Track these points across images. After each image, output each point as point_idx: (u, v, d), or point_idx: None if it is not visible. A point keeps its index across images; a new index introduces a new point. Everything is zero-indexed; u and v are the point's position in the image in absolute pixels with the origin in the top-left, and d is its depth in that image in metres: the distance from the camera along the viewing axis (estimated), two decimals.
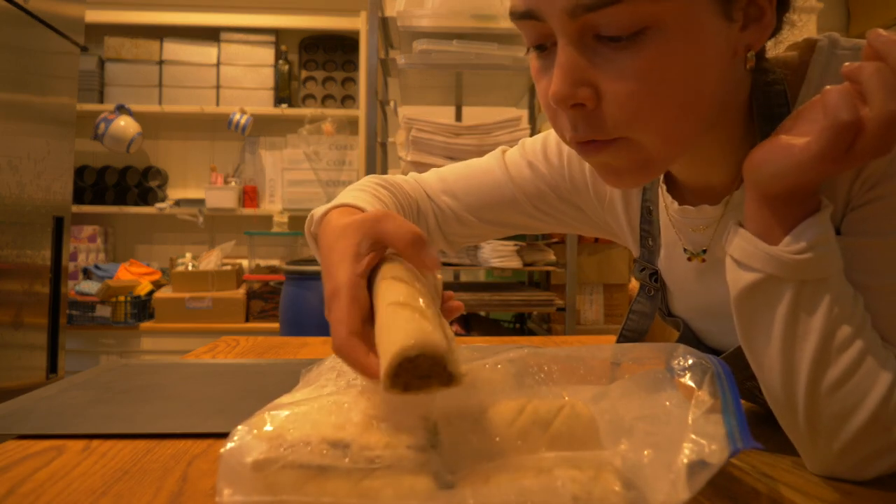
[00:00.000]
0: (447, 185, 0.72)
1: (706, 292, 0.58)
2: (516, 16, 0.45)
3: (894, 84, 0.36)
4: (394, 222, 0.44)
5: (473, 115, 2.21)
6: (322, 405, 0.36)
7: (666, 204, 0.59)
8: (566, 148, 0.67)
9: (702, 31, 0.41)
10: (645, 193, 0.63)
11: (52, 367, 1.77)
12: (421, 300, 0.38)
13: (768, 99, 0.48)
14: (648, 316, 0.66)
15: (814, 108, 0.41)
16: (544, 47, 0.45)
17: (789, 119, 0.43)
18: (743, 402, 0.59)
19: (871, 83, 0.36)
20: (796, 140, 0.40)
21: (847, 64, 0.38)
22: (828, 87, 0.38)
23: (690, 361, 0.38)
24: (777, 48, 0.50)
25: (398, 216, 0.45)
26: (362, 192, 0.61)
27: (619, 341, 0.68)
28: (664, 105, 0.42)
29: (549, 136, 0.69)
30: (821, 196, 0.43)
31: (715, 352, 0.59)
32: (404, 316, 0.36)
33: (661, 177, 0.60)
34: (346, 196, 0.60)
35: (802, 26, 0.48)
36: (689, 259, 0.58)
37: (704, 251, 0.57)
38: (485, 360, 0.41)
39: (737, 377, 0.51)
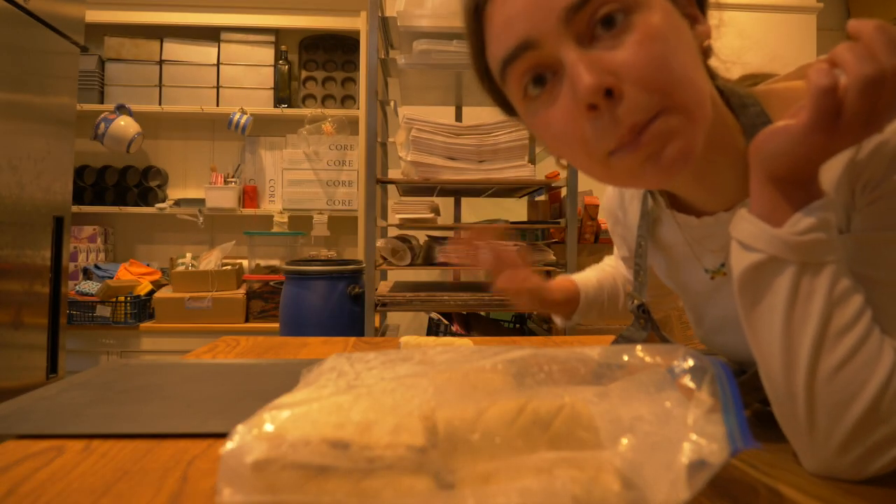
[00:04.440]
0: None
1: (725, 302, 0.61)
2: (511, 56, 0.47)
3: (866, 54, 0.38)
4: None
5: (473, 115, 2.21)
6: (322, 405, 0.36)
7: (681, 223, 0.62)
8: (607, 199, 0.78)
9: (670, 11, 0.46)
10: (639, 229, 0.68)
11: (52, 367, 1.77)
12: None
13: (751, 119, 0.52)
14: (636, 343, 0.71)
15: None
16: (543, 80, 0.47)
17: (794, 107, 0.44)
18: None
19: (844, 56, 0.39)
20: (793, 119, 0.42)
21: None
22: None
23: (691, 363, 0.38)
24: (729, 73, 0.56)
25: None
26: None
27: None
28: (677, 65, 0.44)
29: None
30: (822, 187, 0.44)
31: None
32: None
33: (664, 202, 0.64)
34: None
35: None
36: (712, 278, 0.62)
37: (723, 265, 0.60)
38: (485, 360, 0.41)
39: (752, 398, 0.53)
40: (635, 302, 0.71)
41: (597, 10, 0.44)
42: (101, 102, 2.85)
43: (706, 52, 0.51)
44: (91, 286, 2.50)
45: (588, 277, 0.93)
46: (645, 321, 0.71)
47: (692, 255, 0.63)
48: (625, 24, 0.44)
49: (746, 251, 0.45)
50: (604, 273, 0.94)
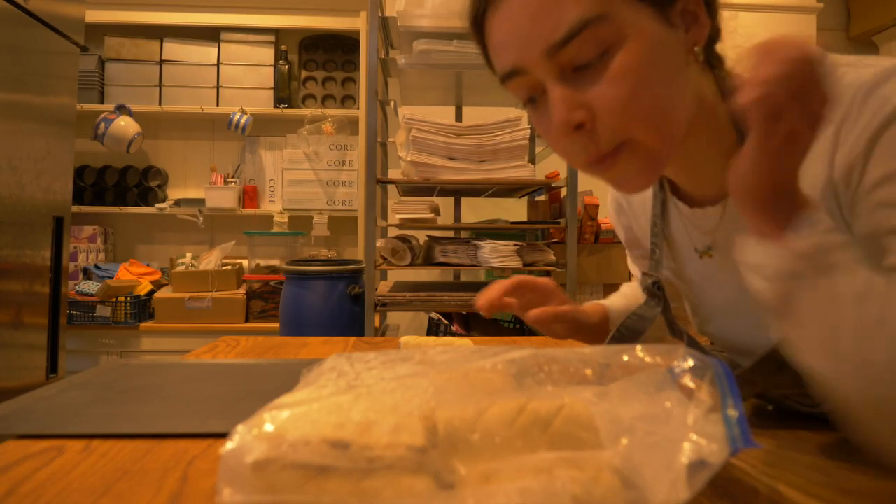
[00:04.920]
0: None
1: (717, 290, 0.64)
2: (504, 77, 0.53)
3: (763, 60, 0.40)
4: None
5: (473, 115, 2.21)
6: (322, 405, 0.36)
7: (679, 209, 0.65)
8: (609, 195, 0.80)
9: (652, 37, 0.49)
10: (654, 209, 0.70)
11: (52, 367, 1.77)
12: None
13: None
14: (648, 319, 0.72)
15: None
16: (535, 100, 0.53)
17: None
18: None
19: (754, 71, 0.41)
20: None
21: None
22: None
23: (691, 363, 0.38)
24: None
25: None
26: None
27: (612, 336, 0.73)
28: (645, 100, 0.48)
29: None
30: (808, 195, 0.45)
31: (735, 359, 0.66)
32: None
33: (668, 187, 0.67)
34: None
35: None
36: (701, 257, 0.65)
37: (710, 248, 0.63)
38: (485, 360, 0.41)
39: (767, 384, 0.53)
40: (650, 280, 0.71)
41: (578, 47, 0.48)
42: (101, 102, 2.85)
43: (712, 39, 0.54)
44: (91, 286, 2.50)
45: (613, 300, 0.91)
46: (658, 299, 0.71)
47: (688, 239, 0.66)
48: (604, 59, 0.48)
49: (760, 275, 0.45)
50: (626, 297, 0.93)
